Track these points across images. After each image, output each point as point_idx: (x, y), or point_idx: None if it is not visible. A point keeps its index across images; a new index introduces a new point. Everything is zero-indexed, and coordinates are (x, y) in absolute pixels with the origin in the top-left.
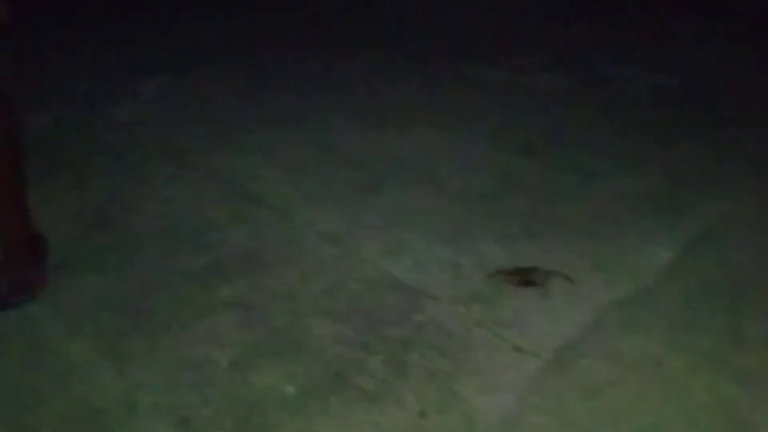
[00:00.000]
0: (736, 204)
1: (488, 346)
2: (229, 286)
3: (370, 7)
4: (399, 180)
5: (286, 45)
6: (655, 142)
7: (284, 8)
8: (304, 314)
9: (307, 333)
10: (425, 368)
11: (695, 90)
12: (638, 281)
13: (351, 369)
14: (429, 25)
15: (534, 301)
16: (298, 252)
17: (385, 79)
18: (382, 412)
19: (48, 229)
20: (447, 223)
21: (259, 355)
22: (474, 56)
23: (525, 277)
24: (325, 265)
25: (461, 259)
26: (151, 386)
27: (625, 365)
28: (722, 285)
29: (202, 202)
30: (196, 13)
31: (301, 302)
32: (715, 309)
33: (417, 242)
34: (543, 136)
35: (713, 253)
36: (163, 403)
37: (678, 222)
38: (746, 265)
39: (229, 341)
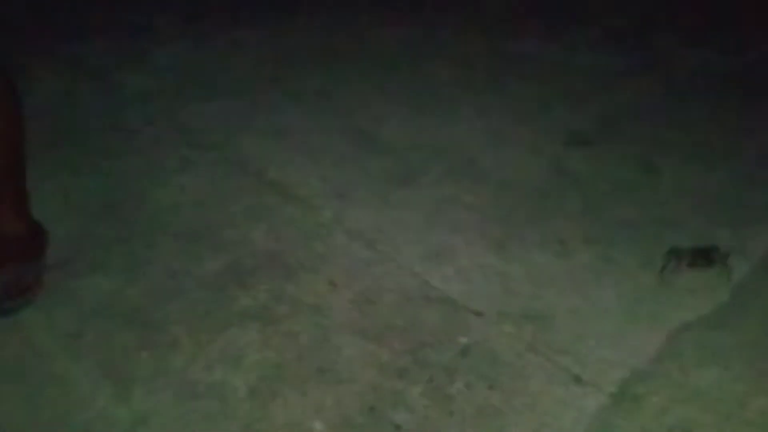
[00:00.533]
0: None
1: (543, 375)
2: (249, 295)
3: None
4: (439, 171)
5: (315, 9)
6: (725, 133)
7: None
8: (332, 331)
9: (337, 355)
10: (472, 402)
11: None
12: (714, 299)
13: (387, 401)
14: None
15: (594, 321)
16: (326, 254)
17: (421, 54)
18: None
19: (48, 220)
20: (492, 223)
21: (282, 382)
22: (521, 31)
23: (704, 257)
24: (356, 271)
25: (509, 268)
26: (158, 416)
27: (701, 405)
28: None
29: (219, 192)
30: None
31: (329, 316)
32: None
33: (459, 246)
34: (597, 123)
35: None
36: None
37: (755, 229)
38: None
39: (249, 363)
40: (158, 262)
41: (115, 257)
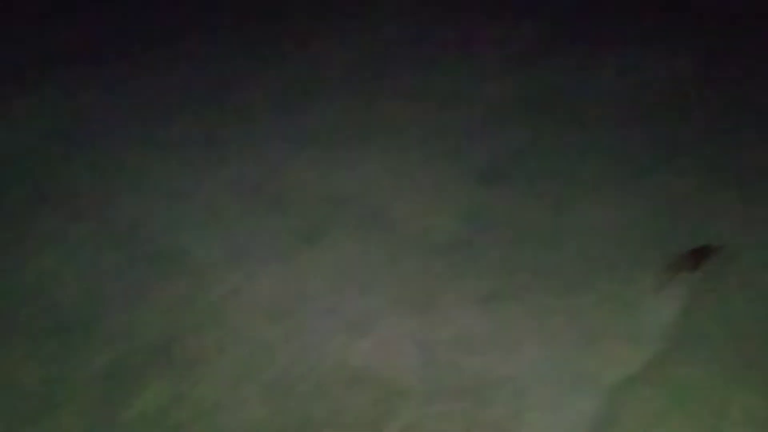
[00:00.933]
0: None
1: None
2: (140, 398)
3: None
4: (345, 225)
5: (186, 49)
6: (635, 167)
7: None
8: None
9: None
10: None
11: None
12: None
13: None
14: (357, 28)
15: (532, 389)
16: (226, 338)
17: (312, 96)
18: None
19: None
20: (409, 282)
21: None
22: (413, 61)
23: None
24: (262, 357)
25: (433, 334)
26: None
27: None
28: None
29: (97, 269)
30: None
31: (233, 418)
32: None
33: (375, 313)
34: (506, 159)
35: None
36: None
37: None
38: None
39: None
40: (27, 366)
41: None
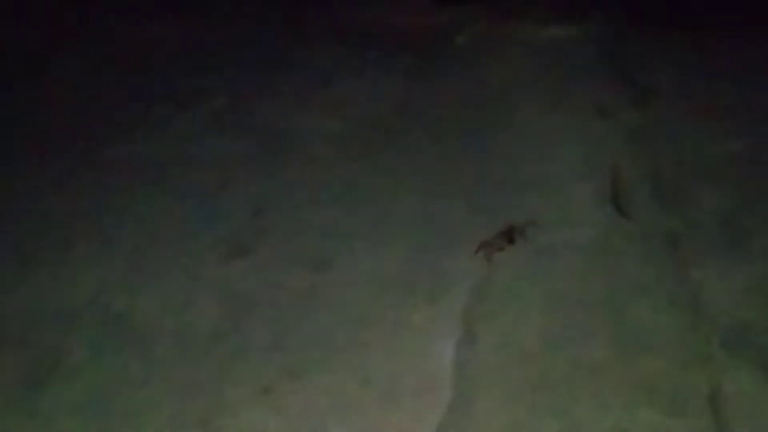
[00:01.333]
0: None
1: None
2: None
3: None
4: None
5: None
6: (405, 206)
7: None
8: None
9: None
10: None
11: None
12: None
13: None
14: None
15: None
16: None
17: None
18: None
19: None
20: None
21: None
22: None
23: (508, 237)
24: None
25: None
26: None
27: None
28: None
29: None
30: None
31: None
32: None
33: None
34: (252, 226)
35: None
36: None
37: None
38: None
39: None
40: None
41: None
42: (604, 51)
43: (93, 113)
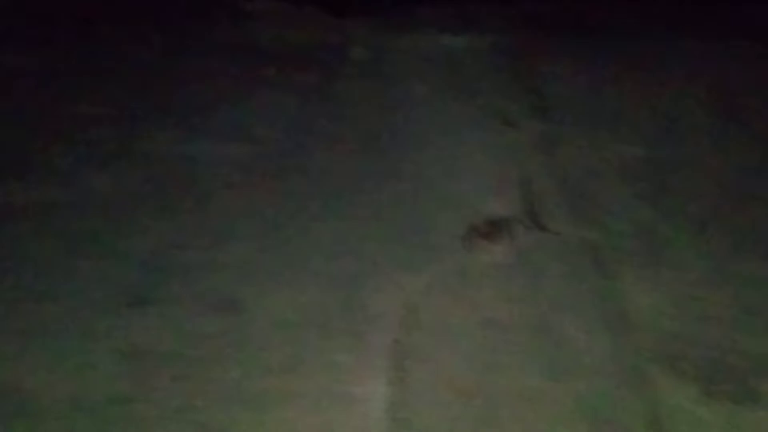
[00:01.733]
0: None
1: None
2: None
3: None
4: None
5: None
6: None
7: None
8: None
9: None
10: None
11: None
12: None
13: None
14: None
15: None
16: None
17: None
18: None
19: None
20: None
21: None
22: None
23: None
24: None
25: None
26: None
27: None
28: None
29: None
30: None
31: None
32: None
33: None
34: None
35: None
36: None
37: None
38: None
39: None
40: None
41: None
42: (502, 60)
43: None
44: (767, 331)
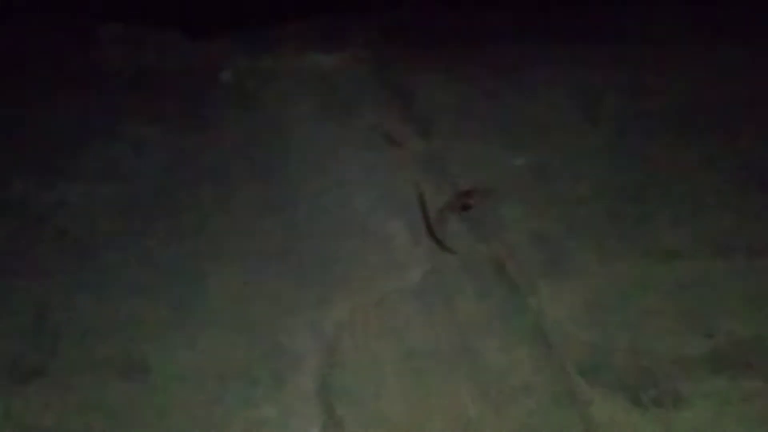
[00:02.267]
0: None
1: None
2: None
3: None
4: None
5: None
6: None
7: None
8: None
9: None
10: None
11: None
12: None
13: None
14: None
15: None
16: None
17: None
18: None
19: None
20: None
21: None
22: None
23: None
24: None
25: None
26: None
27: None
28: None
29: None
30: None
31: None
32: None
33: None
34: None
35: None
36: None
37: None
38: None
39: None
40: None
41: None
42: (375, 76)
43: None
44: (670, 332)
